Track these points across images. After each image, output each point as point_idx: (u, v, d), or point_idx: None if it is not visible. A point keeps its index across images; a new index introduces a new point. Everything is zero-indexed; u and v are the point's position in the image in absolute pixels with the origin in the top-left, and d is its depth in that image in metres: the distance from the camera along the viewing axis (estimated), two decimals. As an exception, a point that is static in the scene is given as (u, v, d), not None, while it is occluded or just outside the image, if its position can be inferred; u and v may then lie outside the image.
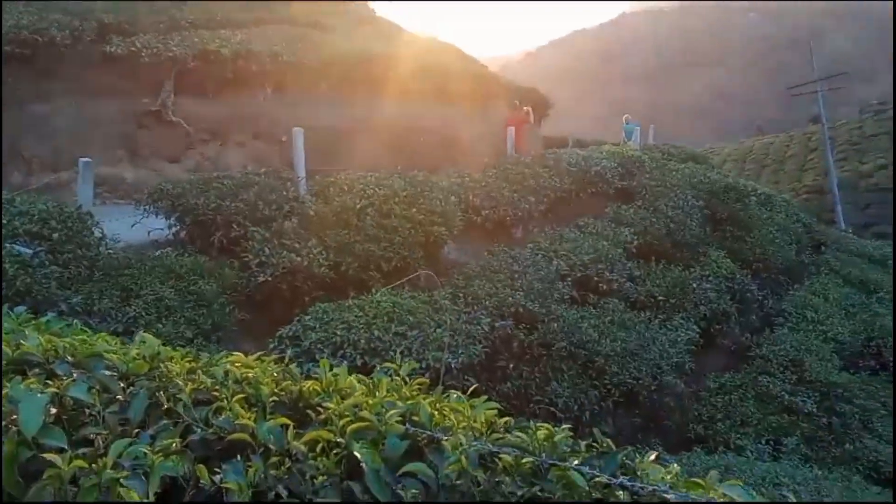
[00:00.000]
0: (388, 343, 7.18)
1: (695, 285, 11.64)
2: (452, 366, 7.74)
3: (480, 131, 14.25)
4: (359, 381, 2.32)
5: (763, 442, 9.47)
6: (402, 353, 7.22)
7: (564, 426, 2.01)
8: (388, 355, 6.65)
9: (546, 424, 2.00)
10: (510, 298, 9.28)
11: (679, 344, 10.43)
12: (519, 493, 1.70)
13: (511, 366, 8.76)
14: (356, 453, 1.67)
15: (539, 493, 1.73)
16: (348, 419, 1.81)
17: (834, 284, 14.41)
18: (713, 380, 10.81)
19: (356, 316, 7.33)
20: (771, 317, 12.88)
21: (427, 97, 14.52)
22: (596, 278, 10.82)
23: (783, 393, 10.52)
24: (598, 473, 1.68)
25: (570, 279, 10.51)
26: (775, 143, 55.79)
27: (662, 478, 1.87)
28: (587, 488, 1.65)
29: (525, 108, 14.74)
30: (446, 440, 1.82)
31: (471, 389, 2.47)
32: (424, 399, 2.16)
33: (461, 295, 9.07)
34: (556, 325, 9.33)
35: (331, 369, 2.26)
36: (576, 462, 1.76)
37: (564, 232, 11.58)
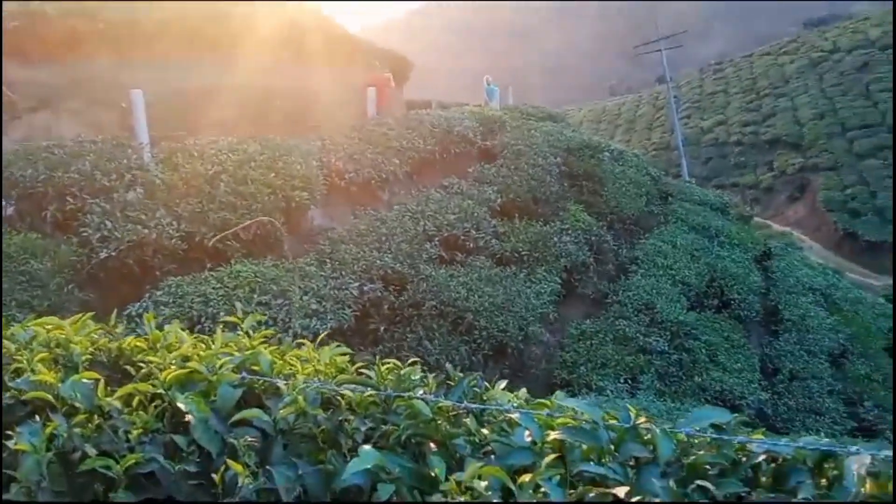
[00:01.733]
0: (250, 314, 6.90)
1: (555, 239, 12.08)
2: (321, 332, 7.58)
3: (341, 94, 13.86)
4: (196, 339, 2.15)
5: (622, 381, 10.06)
6: (266, 322, 6.97)
7: (413, 359, 1.96)
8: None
9: (394, 360, 1.94)
10: (378, 261, 9.21)
11: (543, 296, 10.82)
12: (363, 428, 1.63)
13: (382, 328, 8.73)
14: (180, 404, 1.53)
15: (384, 427, 1.67)
16: (173, 371, 1.66)
17: (680, 231, 15.47)
18: (575, 327, 11.32)
19: (214, 288, 6.98)
20: (625, 265, 13.64)
21: (284, 59, 13.89)
22: (462, 237, 10.96)
23: (638, 334, 11.22)
24: (441, 400, 1.64)
25: (437, 239, 10.58)
26: (626, 103, 59.04)
27: (509, 401, 1.88)
28: (431, 415, 1.61)
29: (386, 73, 14.51)
30: (285, 384, 1.71)
31: (319, 338, 2.37)
32: (267, 349, 2.04)
33: (328, 260, 8.88)
34: (425, 285, 9.38)
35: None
36: (421, 392, 1.72)
37: (430, 193, 11.61)
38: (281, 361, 1.98)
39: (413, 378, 1.93)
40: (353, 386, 1.73)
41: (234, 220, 7.71)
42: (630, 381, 10.28)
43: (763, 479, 1.47)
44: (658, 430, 1.49)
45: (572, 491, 1.38)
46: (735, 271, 14.52)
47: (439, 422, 1.62)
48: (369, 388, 1.72)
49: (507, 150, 13.91)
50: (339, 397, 1.73)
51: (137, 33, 12.55)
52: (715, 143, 48.73)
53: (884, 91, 44.90)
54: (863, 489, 1.33)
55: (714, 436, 1.51)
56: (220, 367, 1.74)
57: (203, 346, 2.05)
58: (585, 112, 62.04)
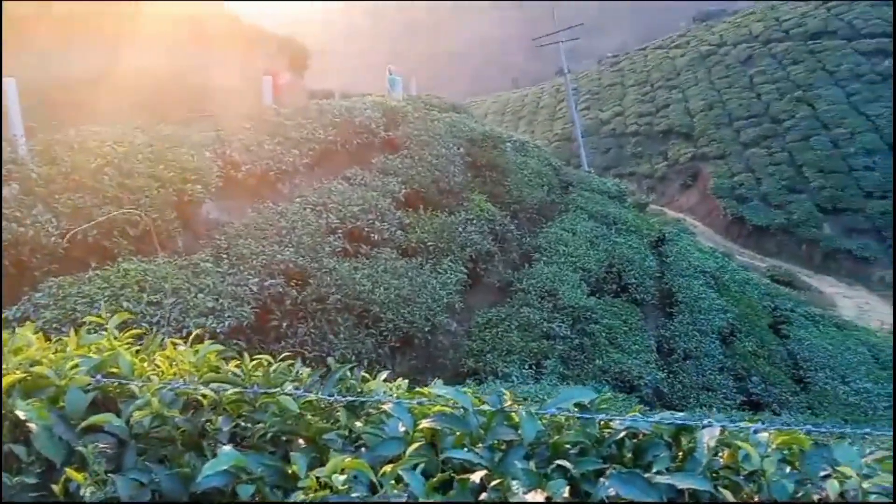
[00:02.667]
0: (140, 314, 6.58)
1: (460, 229, 12.19)
2: (218, 331, 7.33)
3: (237, 83, 13.42)
4: (54, 341, 2.01)
5: (527, 367, 10.29)
6: (157, 322, 6.67)
7: (284, 354, 1.90)
8: (139, 328, 6.08)
9: (264, 356, 1.88)
10: (279, 256, 8.98)
11: (449, 286, 10.90)
12: (226, 428, 1.57)
13: (285, 324, 8.53)
14: (18, 412, 1.41)
15: (251, 425, 1.61)
16: (13, 376, 1.53)
17: (580, 220, 15.96)
18: (481, 316, 11.48)
19: (99, 288, 6.61)
20: (529, 252, 13.94)
21: (174, 46, 13.29)
22: (367, 229, 10.87)
23: (542, 321, 11.49)
24: (308, 395, 1.59)
25: (340, 232, 10.44)
26: (529, 95, 60.24)
27: (385, 391, 1.85)
28: (297, 411, 1.56)
29: (279, 62, 14.11)
30: (141, 386, 1.61)
31: (193, 334, 2.26)
32: (129, 349, 1.93)
33: (225, 256, 8.59)
34: (329, 278, 9.24)
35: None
36: (290, 387, 1.66)
37: (333, 184, 11.43)
38: (145, 363, 1.88)
39: (285, 373, 1.88)
40: (218, 385, 1.65)
41: (120, 216, 7.32)
42: (535, 367, 10.52)
43: (627, 454, 1.51)
44: (523, 413, 1.51)
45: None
46: (632, 257, 15.11)
47: (308, 417, 1.58)
48: (235, 387, 1.65)
49: (411, 141, 13.89)
50: (202, 397, 1.65)
51: (12, 17, 11.67)
52: (613, 133, 50.51)
53: (766, 83, 47.85)
54: (720, 459, 1.39)
55: (578, 415, 1.54)
56: (72, 370, 1.62)
57: (59, 348, 1.91)
58: (490, 104, 62.91)
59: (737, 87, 49.07)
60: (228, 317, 7.54)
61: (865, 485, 1.15)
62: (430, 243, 11.48)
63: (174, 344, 2.14)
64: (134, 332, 2.16)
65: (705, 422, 1.43)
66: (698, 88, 50.76)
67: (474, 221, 12.78)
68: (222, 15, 14.53)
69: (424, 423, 1.56)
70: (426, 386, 2.66)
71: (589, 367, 11.31)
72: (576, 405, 1.58)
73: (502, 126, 46.38)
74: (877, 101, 42.78)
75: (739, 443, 1.30)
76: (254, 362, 1.77)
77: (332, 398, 1.60)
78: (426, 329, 9.87)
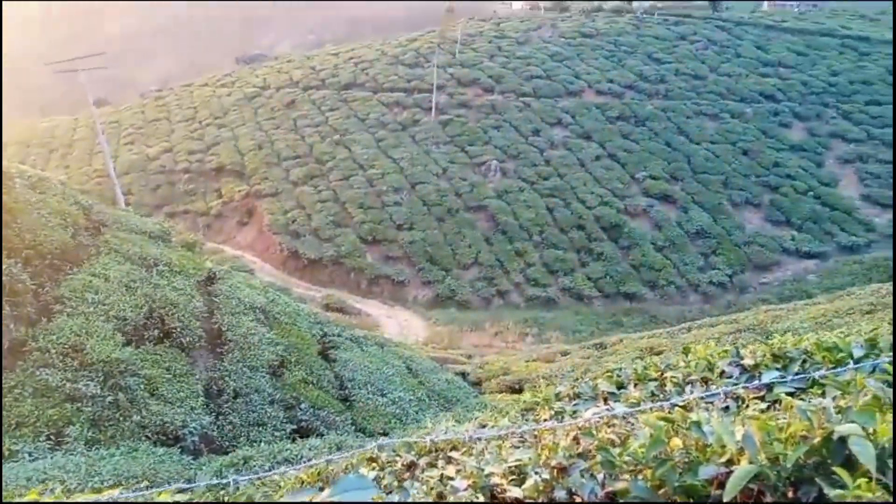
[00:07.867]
0: None
1: (-55, 284, 9.87)
2: None
3: None
4: None
5: (43, 439, 8.78)
6: None
7: None
8: None
9: None
10: None
11: (-74, 356, 8.67)
12: None
13: None
14: None
15: None
16: None
17: (115, 263, 14.51)
18: (-21, 388, 9.43)
19: None
20: (50, 305, 12.07)
21: None
22: None
23: (65, 382, 10.00)
24: None
25: None
26: (62, 126, 53.70)
27: None
28: None
29: None
30: None
31: None
32: None
33: None
34: None
35: None
36: None
37: None
38: None
39: None
40: None
41: None
42: (54, 437, 9.05)
43: None
44: None
45: None
46: (176, 299, 14.34)
47: None
48: None
49: None
50: None
51: None
52: (163, 170, 48.36)
53: (308, 126, 51.71)
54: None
55: None
56: None
57: None
58: (13, 133, 54.13)
59: (283, 128, 51.92)
60: None
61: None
62: None
63: None
64: None
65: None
66: (247, 128, 52.14)
67: (-32, 274, 10.50)
68: None
69: None
70: None
71: (125, 426, 10.23)
72: None
73: (29, 159, 40.35)
74: (399, 145, 49.93)
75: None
76: None
77: None
78: None
